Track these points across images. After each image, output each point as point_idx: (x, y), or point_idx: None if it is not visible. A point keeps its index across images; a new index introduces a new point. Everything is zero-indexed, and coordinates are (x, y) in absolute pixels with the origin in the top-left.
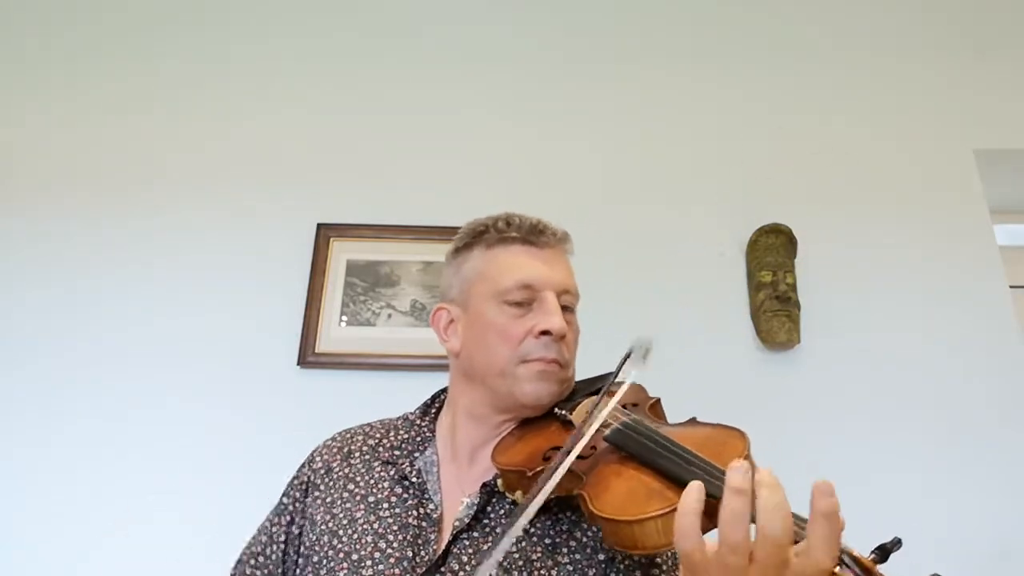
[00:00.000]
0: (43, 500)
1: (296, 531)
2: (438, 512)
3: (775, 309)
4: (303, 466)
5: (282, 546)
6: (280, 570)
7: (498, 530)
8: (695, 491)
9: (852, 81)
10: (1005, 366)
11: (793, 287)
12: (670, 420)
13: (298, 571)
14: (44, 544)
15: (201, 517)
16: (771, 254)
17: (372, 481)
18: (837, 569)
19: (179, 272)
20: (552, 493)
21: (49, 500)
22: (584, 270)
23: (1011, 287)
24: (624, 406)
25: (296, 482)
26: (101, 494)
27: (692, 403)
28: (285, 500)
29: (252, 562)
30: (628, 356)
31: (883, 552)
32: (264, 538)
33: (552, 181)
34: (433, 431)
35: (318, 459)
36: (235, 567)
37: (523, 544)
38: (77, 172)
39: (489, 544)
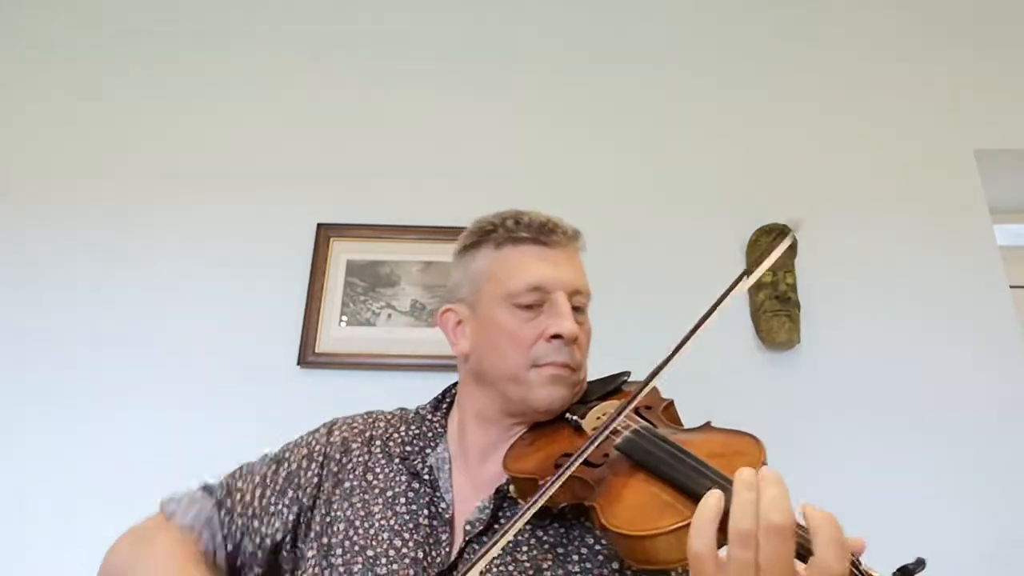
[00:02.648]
0: (42, 501)
1: (305, 501)
2: (450, 512)
3: (775, 309)
4: (318, 434)
5: (286, 507)
6: (273, 523)
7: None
8: (715, 497)
9: (852, 81)
10: (1005, 366)
11: (793, 287)
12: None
13: (304, 545)
14: (43, 547)
15: None
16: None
17: (391, 474)
18: None
19: (179, 272)
20: (564, 501)
21: (48, 500)
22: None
23: (1011, 287)
24: (638, 411)
25: (310, 451)
26: (99, 494)
27: (692, 403)
28: (289, 456)
29: (238, 495)
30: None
31: (904, 574)
32: (257, 479)
33: (552, 181)
34: (444, 427)
35: (336, 433)
36: (222, 491)
37: (534, 552)
38: (77, 172)
39: (499, 552)
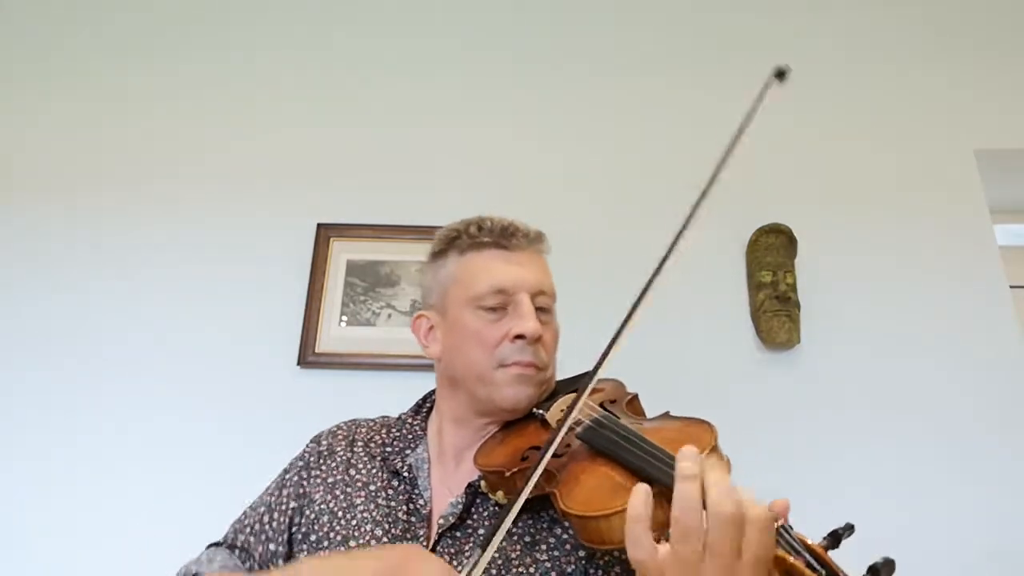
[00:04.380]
0: (41, 503)
1: (296, 505)
2: (428, 508)
3: (775, 309)
4: (307, 449)
5: (287, 517)
6: (283, 539)
7: (480, 531)
8: (642, 494)
9: (852, 81)
10: (1005, 366)
11: (793, 287)
12: None
13: (294, 546)
14: (40, 550)
15: (200, 517)
16: (771, 254)
17: (372, 471)
18: (790, 558)
19: (179, 272)
20: (530, 493)
21: (50, 499)
22: (584, 270)
23: (1011, 287)
24: (602, 404)
25: (300, 460)
26: (101, 492)
27: (692, 403)
28: (287, 476)
29: (248, 530)
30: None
31: (834, 538)
32: (263, 508)
33: (551, 181)
34: (424, 430)
35: (324, 441)
36: (229, 536)
37: (502, 543)
38: (78, 173)
39: (470, 546)
